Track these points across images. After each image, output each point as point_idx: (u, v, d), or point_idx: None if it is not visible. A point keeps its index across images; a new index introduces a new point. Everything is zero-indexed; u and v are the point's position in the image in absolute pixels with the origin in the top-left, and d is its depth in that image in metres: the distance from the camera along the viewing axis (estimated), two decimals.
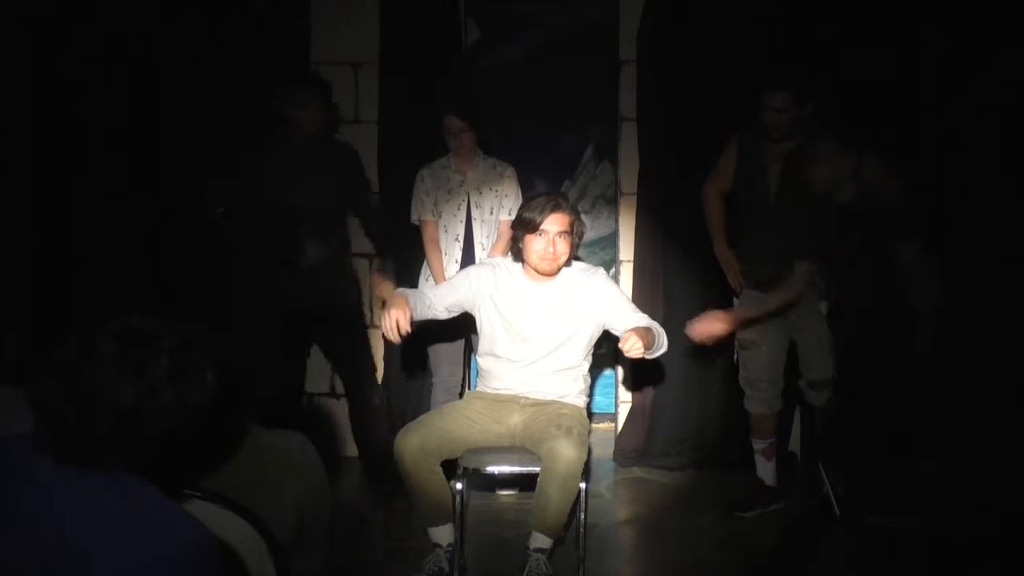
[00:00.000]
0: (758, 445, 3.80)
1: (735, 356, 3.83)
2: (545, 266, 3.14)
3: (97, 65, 3.93)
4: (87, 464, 1.29)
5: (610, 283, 3.29)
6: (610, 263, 4.57)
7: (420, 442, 2.97)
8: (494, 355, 3.24)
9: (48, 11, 3.81)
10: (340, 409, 4.32)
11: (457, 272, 3.61)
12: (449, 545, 3.11)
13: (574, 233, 3.15)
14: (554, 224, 3.10)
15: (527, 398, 3.19)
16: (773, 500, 3.77)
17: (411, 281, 3.91)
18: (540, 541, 3.03)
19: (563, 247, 3.12)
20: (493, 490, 3.92)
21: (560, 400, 3.20)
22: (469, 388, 4.19)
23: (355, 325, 4.06)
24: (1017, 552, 3.17)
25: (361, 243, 4.18)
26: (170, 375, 1.31)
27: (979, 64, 3.78)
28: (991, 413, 3.65)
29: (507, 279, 3.23)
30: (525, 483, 3.88)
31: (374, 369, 4.20)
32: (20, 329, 3.72)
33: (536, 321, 3.18)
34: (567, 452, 2.87)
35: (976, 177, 3.79)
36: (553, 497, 2.92)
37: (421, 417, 3.22)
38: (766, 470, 3.81)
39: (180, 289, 4.04)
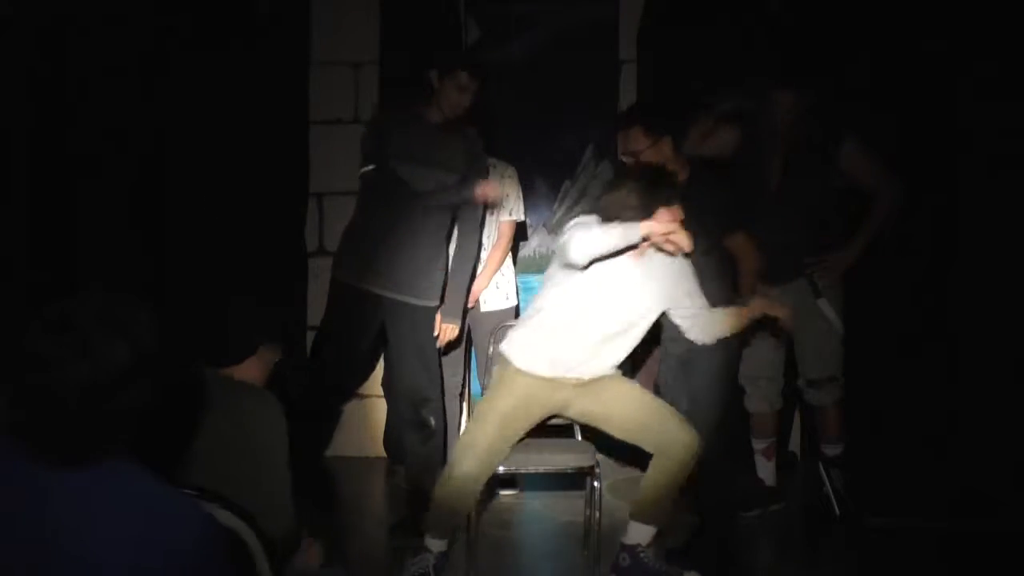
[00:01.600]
0: (758, 445, 3.80)
1: None
2: None
3: (96, 65, 3.93)
4: (73, 461, 1.25)
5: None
6: None
7: (477, 473, 2.91)
8: (559, 322, 2.97)
9: (47, 10, 3.81)
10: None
11: None
12: (440, 553, 3.05)
13: None
14: None
15: (580, 379, 3.02)
16: (773, 500, 3.76)
17: None
18: (638, 534, 2.99)
19: None
20: (493, 490, 3.92)
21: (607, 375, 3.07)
22: (469, 389, 4.17)
23: (429, 327, 3.55)
24: (1018, 552, 3.16)
25: None
26: (109, 337, 1.27)
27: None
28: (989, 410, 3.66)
29: None
30: (525, 483, 3.88)
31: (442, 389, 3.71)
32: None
33: (624, 293, 2.98)
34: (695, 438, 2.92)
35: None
36: (667, 482, 2.93)
37: (480, 439, 2.95)
38: (766, 470, 3.80)
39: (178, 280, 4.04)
